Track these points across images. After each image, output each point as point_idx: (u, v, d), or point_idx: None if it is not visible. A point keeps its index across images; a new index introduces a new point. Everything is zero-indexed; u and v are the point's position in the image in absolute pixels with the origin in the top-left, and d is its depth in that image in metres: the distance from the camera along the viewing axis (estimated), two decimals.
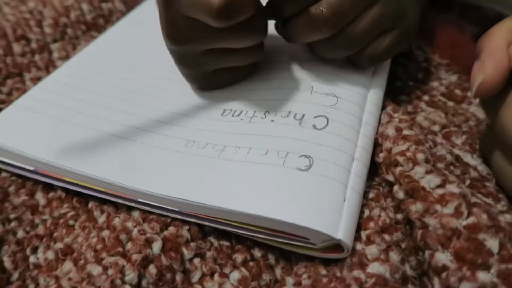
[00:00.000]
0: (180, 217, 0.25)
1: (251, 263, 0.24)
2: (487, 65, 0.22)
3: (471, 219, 0.20)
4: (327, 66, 0.30)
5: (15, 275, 0.26)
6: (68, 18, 0.42)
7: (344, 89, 0.28)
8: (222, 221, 0.24)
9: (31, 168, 0.29)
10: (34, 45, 0.39)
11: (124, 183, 0.25)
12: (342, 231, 0.21)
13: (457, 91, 0.32)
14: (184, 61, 0.28)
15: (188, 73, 0.30)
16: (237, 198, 0.23)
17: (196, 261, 0.24)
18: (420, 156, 0.23)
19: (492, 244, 0.19)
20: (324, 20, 0.25)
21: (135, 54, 0.37)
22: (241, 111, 0.29)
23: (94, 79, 0.34)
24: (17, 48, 0.38)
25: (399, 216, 0.24)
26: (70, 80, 0.34)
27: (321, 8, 0.25)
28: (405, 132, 0.26)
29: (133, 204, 0.26)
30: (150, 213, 0.26)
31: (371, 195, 0.25)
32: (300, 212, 0.22)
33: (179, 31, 0.25)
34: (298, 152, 0.25)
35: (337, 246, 0.22)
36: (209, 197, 0.23)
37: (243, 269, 0.24)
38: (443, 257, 0.19)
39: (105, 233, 0.25)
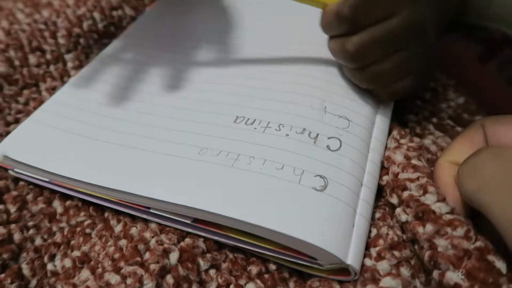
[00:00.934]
0: (191, 230, 0.26)
1: (266, 276, 0.24)
2: (448, 201, 0.23)
3: (479, 243, 0.21)
4: (340, 87, 0.31)
5: (33, 282, 0.26)
6: (81, 28, 0.43)
7: (355, 112, 0.29)
8: (232, 236, 0.25)
9: (46, 179, 0.29)
10: (49, 56, 0.40)
11: (137, 192, 0.26)
12: (351, 256, 0.22)
13: (465, 115, 0.32)
14: None
15: None
16: (252, 210, 0.23)
17: (212, 272, 0.25)
18: (431, 189, 0.24)
19: (501, 265, 0.20)
20: (348, 55, 0.27)
21: (145, 62, 0.37)
22: (254, 120, 0.29)
23: (105, 90, 0.34)
24: (32, 59, 0.39)
25: (405, 236, 0.25)
26: (83, 91, 0.34)
27: (350, 43, 0.27)
28: (414, 161, 0.26)
29: (144, 216, 0.27)
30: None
31: (377, 215, 0.26)
32: (315, 231, 0.22)
33: None
34: (313, 172, 0.25)
35: (343, 269, 0.23)
36: (223, 207, 0.24)
37: (258, 281, 0.24)
38: (454, 276, 0.20)
39: (122, 242, 0.26)
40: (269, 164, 0.26)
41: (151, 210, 0.26)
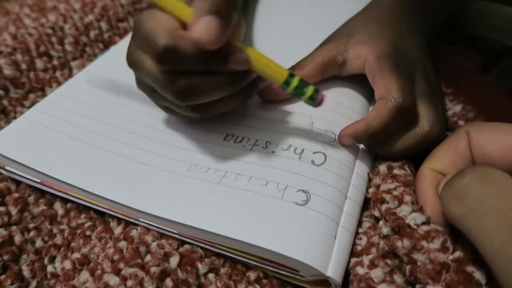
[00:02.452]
0: (177, 236, 0.26)
1: (264, 281, 0.25)
2: (427, 211, 0.23)
3: (458, 253, 0.21)
4: (327, 102, 0.31)
5: (33, 283, 0.26)
6: (87, 37, 0.43)
7: (341, 126, 0.29)
8: (218, 246, 0.25)
9: (38, 180, 0.29)
10: (55, 62, 0.40)
11: (126, 203, 0.26)
12: (331, 268, 0.22)
13: (461, 122, 0.33)
14: (142, 88, 0.29)
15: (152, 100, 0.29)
16: (235, 226, 0.24)
17: (211, 276, 0.25)
18: (407, 198, 0.24)
19: (480, 276, 0.20)
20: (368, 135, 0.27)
21: None
22: (243, 138, 0.30)
23: (100, 96, 0.35)
24: (39, 64, 0.39)
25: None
26: (77, 94, 0.35)
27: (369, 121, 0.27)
28: (396, 171, 0.27)
29: (132, 220, 0.27)
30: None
31: (368, 224, 0.26)
32: (294, 245, 0.23)
33: (133, 58, 0.26)
34: (296, 187, 0.26)
35: (325, 281, 0.23)
36: (208, 223, 0.24)
37: (257, 286, 0.24)
38: None
39: (122, 244, 0.26)
40: (254, 181, 0.26)
41: (140, 219, 0.27)
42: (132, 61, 0.26)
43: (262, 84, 0.28)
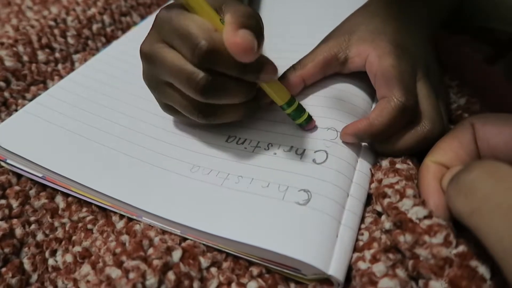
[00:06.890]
0: (180, 234, 0.26)
1: (267, 275, 0.24)
2: (430, 204, 0.23)
3: (461, 248, 0.20)
4: (328, 99, 0.31)
5: (34, 277, 0.26)
6: (90, 30, 0.43)
7: (344, 123, 0.29)
8: (220, 246, 0.25)
9: (40, 175, 0.29)
10: (57, 54, 0.40)
11: (128, 202, 0.26)
12: (333, 267, 0.22)
13: (465, 115, 0.32)
14: (149, 83, 0.29)
15: (155, 96, 0.29)
16: (235, 228, 0.24)
17: (213, 270, 0.25)
18: (409, 192, 0.24)
19: (484, 270, 0.20)
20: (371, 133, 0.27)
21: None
22: (245, 140, 0.29)
23: (102, 91, 0.35)
24: (41, 56, 0.39)
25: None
26: (79, 89, 0.35)
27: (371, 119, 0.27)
28: (398, 165, 0.26)
29: (135, 217, 0.27)
30: None
31: (370, 219, 0.26)
32: (295, 245, 0.22)
33: (152, 50, 0.26)
34: (297, 186, 0.25)
35: (327, 279, 0.23)
36: (210, 225, 0.24)
37: (259, 280, 0.24)
38: (437, 286, 0.20)
39: (124, 237, 0.26)
40: (256, 182, 0.26)
41: (143, 218, 0.27)
42: (150, 53, 0.26)
43: (266, 100, 0.28)
